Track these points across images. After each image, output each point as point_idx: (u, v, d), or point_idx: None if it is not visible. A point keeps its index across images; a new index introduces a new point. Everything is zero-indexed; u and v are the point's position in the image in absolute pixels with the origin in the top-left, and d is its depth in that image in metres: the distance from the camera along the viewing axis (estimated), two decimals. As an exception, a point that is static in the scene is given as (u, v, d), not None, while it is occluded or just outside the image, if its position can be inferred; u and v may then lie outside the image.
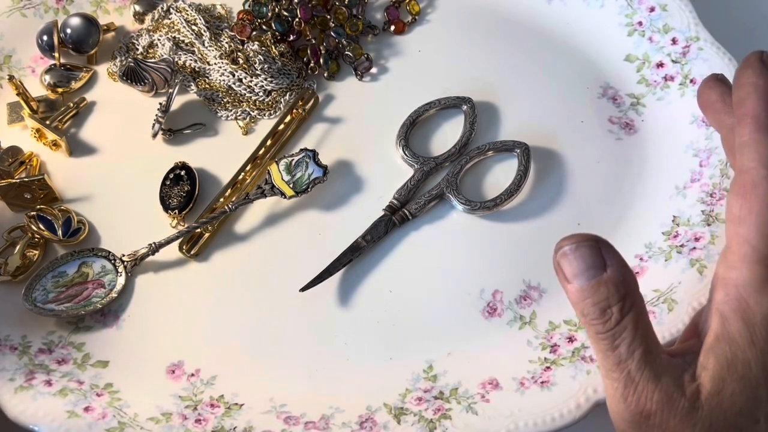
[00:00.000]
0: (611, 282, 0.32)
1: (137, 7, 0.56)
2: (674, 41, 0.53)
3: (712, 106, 0.38)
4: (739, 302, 0.31)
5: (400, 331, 0.45)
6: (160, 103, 0.50)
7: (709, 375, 0.31)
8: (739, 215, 0.32)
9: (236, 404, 0.42)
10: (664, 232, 0.47)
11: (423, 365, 0.44)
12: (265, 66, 0.52)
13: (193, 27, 0.54)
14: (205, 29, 0.54)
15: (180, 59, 0.53)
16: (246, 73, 0.52)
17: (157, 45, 0.54)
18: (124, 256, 0.46)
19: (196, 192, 0.49)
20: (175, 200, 0.48)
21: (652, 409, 0.31)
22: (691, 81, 0.51)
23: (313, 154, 0.49)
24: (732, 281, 0.32)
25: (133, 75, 0.52)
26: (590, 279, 0.32)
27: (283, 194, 0.48)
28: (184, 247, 0.47)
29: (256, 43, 0.53)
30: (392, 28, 0.56)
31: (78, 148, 0.51)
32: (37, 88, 0.53)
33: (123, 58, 0.54)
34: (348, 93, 0.54)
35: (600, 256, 0.32)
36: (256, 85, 0.52)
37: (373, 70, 0.54)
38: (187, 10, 0.55)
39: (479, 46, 0.55)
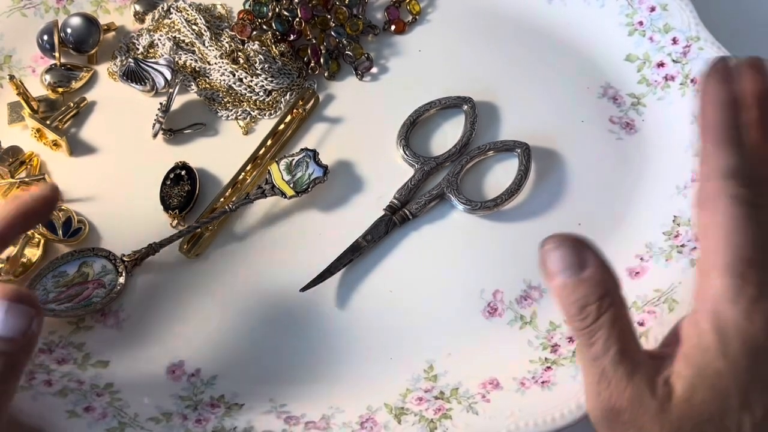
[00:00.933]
0: (589, 281, 0.32)
1: (137, 7, 0.56)
2: (675, 41, 0.52)
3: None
4: (714, 314, 0.32)
5: (400, 331, 0.45)
6: (161, 103, 0.50)
7: (681, 381, 0.32)
8: (705, 227, 0.33)
9: (236, 404, 0.42)
10: (664, 232, 0.47)
11: (423, 365, 0.44)
12: (266, 66, 0.52)
13: (194, 27, 0.54)
14: (206, 29, 0.54)
15: (180, 59, 0.53)
16: (246, 72, 0.52)
17: (157, 45, 0.54)
18: (124, 256, 0.46)
19: (197, 192, 0.49)
20: (175, 200, 0.48)
21: (623, 405, 0.32)
22: (692, 81, 0.51)
23: (314, 154, 0.49)
24: (706, 292, 0.32)
25: (133, 75, 0.52)
26: (569, 277, 0.33)
27: (283, 194, 0.48)
28: (184, 247, 0.47)
29: (257, 42, 0.53)
30: (392, 27, 0.56)
31: (78, 148, 0.51)
32: (38, 88, 0.53)
33: (123, 58, 0.54)
34: (348, 93, 0.54)
35: (580, 256, 0.33)
36: (256, 84, 0.52)
37: (374, 69, 0.54)
38: (187, 10, 0.55)
39: (479, 45, 0.55)
